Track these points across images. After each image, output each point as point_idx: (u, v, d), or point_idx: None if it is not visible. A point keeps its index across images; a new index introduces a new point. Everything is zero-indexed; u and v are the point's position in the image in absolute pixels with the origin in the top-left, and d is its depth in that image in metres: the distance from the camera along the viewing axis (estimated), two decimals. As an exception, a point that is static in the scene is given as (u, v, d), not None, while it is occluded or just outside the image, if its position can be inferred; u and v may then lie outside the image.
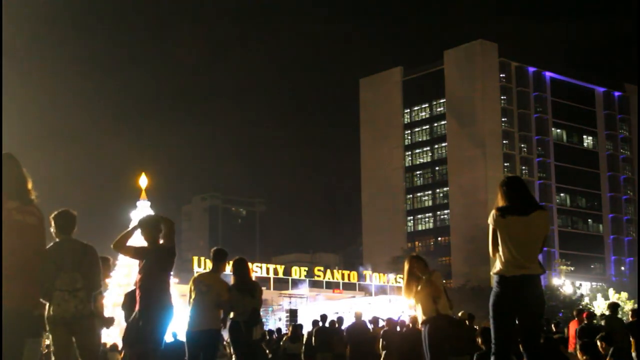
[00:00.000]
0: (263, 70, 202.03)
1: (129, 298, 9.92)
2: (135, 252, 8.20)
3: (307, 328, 20.28)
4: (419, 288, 9.05)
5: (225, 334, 10.67)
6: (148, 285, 7.97)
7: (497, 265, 6.39)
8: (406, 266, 9.19)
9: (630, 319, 14.58)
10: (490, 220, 6.48)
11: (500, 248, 6.39)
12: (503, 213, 6.43)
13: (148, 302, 7.93)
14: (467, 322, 15.78)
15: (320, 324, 17.80)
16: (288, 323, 36.81)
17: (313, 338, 17.45)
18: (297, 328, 18.81)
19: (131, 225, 8.50)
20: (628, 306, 56.11)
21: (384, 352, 15.99)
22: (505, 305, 6.33)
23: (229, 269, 9.97)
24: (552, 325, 17.15)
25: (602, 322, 15.89)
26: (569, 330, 15.44)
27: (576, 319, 15.31)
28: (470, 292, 62.75)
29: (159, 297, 7.98)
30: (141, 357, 8.02)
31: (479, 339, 12.37)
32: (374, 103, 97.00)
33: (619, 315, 15.95)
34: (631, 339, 12.80)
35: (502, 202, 6.53)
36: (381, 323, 18.25)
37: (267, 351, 15.57)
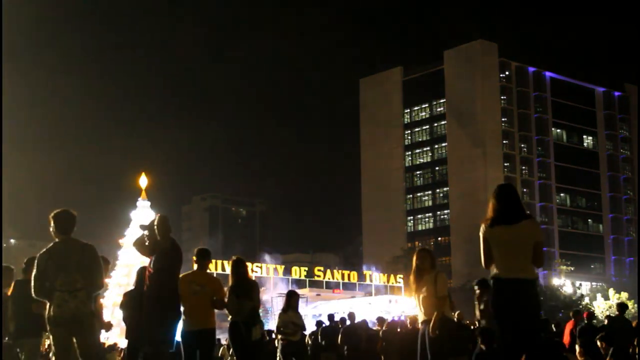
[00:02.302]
0: (263, 70, 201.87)
1: (129, 298, 9.91)
2: (150, 252, 8.29)
3: (309, 328, 20.22)
4: (424, 285, 8.95)
5: (225, 335, 10.68)
6: (155, 286, 7.96)
7: (493, 270, 6.61)
8: (414, 260, 9.07)
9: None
10: (480, 233, 6.70)
11: (493, 255, 6.61)
12: (491, 224, 6.65)
13: (158, 304, 7.91)
14: (476, 322, 15.75)
15: (328, 323, 17.79)
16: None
17: (319, 337, 17.43)
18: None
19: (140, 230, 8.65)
20: (628, 306, 56.06)
21: (383, 353, 15.98)
22: (505, 306, 6.51)
23: (227, 269, 9.99)
24: (552, 325, 17.12)
25: (605, 322, 15.88)
26: (565, 330, 15.43)
27: (572, 319, 15.29)
28: (470, 292, 62.60)
29: (168, 299, 7.97)
30: (154, 358, 8.01)
31: (479, 339, 12.37)
32: (374, 103, 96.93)
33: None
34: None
35: (490, 213, 6.74)
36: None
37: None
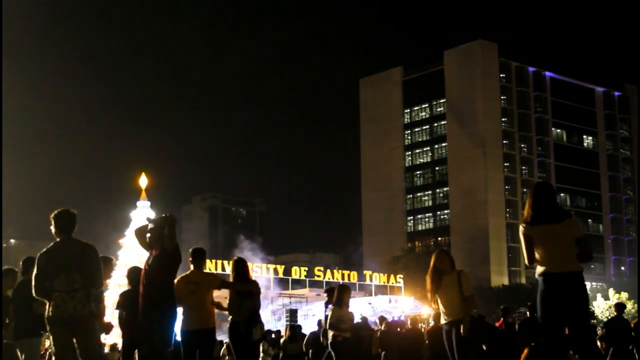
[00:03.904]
0: (263, 70, 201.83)
1: (126, 297, 9.89)
2: (148, 245, 8.24)
3: (310, 328, 20.24)
4: (446, 285, 8.85)
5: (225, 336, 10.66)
6: (153, 287, 7.93)
7: (540, 267, 6.65)
8: (432, 261, 9.00)
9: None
10: (521, 232, 6.76)
11: (538, 252, 6.66)
12: (532, 223, 6.71)
13: (154, 304, 7.89)
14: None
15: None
16: (287, 323, 36.74)
17: (321, 338, 17.35)
18: (294, 328, 18.77)
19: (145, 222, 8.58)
20: (628, 306, 56.02)
21: (383, 353, 15.97)
22: (552, 300, 6.56)
23: (228, 269, 9.98)
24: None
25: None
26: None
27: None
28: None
29: (165, 299, 7.95)
30: (152, 358, 8.00)
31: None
32: (374, 103, 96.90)
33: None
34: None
35: (528, 211, 6.79)
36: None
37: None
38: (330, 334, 12.33)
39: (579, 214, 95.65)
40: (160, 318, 7.91)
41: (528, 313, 15.41)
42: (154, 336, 7.86)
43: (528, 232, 6.67)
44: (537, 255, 6.65)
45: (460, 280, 8.89)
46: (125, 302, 9.66)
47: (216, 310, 9.33)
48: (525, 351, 11.45)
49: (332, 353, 12.10)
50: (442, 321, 9.03)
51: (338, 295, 12.18)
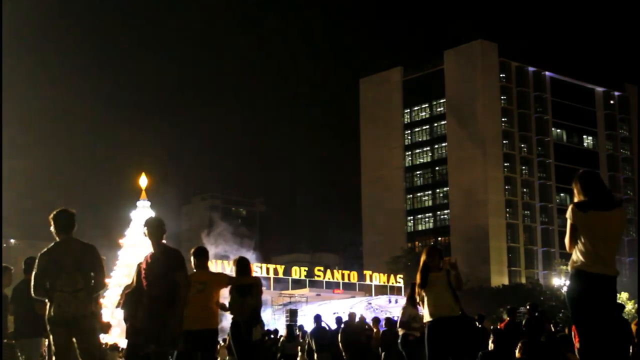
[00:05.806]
0: (262, 70, 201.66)
1: (128, 297, 9.88)
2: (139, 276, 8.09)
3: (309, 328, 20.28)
4: (434, 283, 8.79)
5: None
6: (156, 285, 7.90)
7: (577, 260, 6.14)
8: (423, 257, 8.96)
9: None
10: (568, 216, 6.18)
11: (579, 243, 6.12)
12: (584, 208, 6.12)
13: (163, 304, 7.86)
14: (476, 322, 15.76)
15: (316, 324, 17.78)
16: (287, 323, 36.75)
17: (311, 338, 17.41)
18: (291, 328, 18.83)
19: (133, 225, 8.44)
20: (629, 306, 56.14)
21: (383, 353, 15.97)
22: (586, 302, 6.07)
23: (228, 269, 9.98)
24: (551, 325, 17.15)
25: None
26: (573, 331, 15.42)
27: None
28: (470, 292, 62.65)
29: (173, 299, 7.93)
30: (158, 358, 7.99)
31: (490, 339, 12.32)
32: (374, 103, 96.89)
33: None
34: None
35: (580, 197, 6.21)
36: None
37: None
38: (401, 332, 12.05)
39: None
40: (169, 318, 7.89)
41: (528, 314, 15.41)
42: (161, 336, 7.84)
43: (577, 222, 6.10)
44: (578, 244, 6.11)
45: (449, 278, 8.89)
46: (130, 302, 9.65)
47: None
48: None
49: (403, 352, 11.88)
50: (427, 319, 8.90)
51: (411, 293, 11.93)
